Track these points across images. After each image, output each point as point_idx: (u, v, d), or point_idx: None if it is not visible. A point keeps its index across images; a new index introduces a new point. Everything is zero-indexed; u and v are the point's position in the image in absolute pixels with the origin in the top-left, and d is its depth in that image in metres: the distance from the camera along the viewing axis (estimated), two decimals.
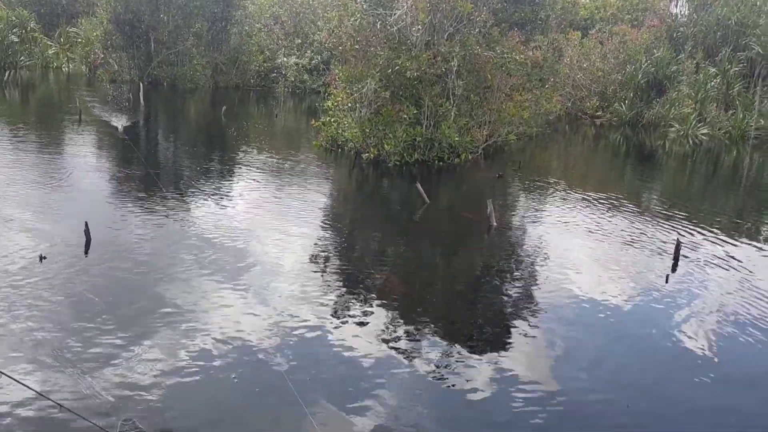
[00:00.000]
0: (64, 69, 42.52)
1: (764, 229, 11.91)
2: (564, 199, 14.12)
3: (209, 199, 11.95)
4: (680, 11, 35.37)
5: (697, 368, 6.38)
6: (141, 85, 30.92)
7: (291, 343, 6.38)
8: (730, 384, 6.14)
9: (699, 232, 11.35)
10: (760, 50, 27.95)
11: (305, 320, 6.89)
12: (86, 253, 8.42)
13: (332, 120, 17.94)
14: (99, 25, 39.52)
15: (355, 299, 7.65)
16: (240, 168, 15.67)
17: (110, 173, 13.93)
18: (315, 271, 8.49)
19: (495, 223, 10.99)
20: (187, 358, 5.89)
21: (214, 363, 5.86)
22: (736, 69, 28.24)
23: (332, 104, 18.13)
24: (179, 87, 37.62)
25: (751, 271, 9.34)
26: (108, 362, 5.68)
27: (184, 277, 7.91)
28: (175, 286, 7.60)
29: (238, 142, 20.00)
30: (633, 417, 5.48)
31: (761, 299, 8.18)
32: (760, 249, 10.50)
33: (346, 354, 6.24)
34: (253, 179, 14.31)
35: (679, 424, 5.45)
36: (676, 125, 27.27)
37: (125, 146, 16.35)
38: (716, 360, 6.56)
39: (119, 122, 19.93)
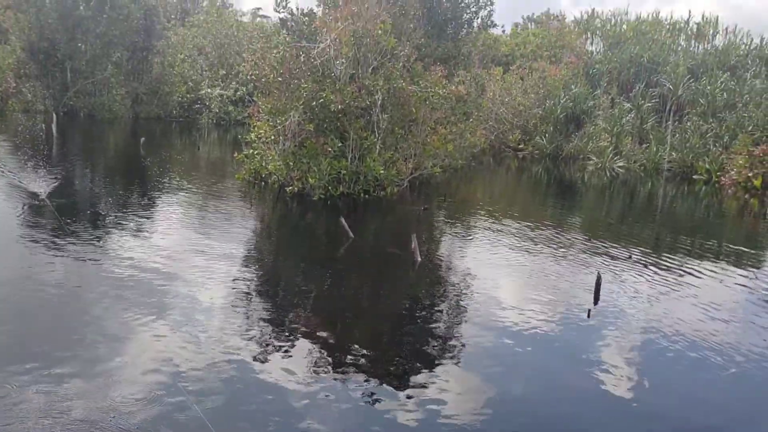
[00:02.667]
0: None
1: (679, 260, 12.23)
2: (488, 231, 14.16)
3: (127, 238, 11.39)
4: (595, 48, 36.95)
5: (618, 403, 6.33)
6: (54, 116, 29.64)
7: (212, 380, 6.12)
8: (650, 418, 6.08)
9: (619, 264, 11.53)
10: (670, 86, 29.38)
11: (227, 358, 6.63)
12: None
13: (255, 153, 17.56)
14: (11, 53, 37.87)
15: (278, 337, 7.36)
16: (159, 204, 15.05)
17: (11, 215, 13.04)
18: (237, 309, 8.13)
19: (419, 258, 10.84)
20: (104, 398, 5.39)
21: (134, 400, 5.43)
22: (649, 104, 29.55)
23: (255, 136, 17.76)
24: (97, 117, 36.42)
25: (669, 303, 9.49)
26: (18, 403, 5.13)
27: (99, 317, 7.49)
28: (90, 327, 7.19)
29: (158, 177, 19.30)
30: None
31: (680, 330, 8.27)
32: (678, 280, 10.73)
33: (268, 391, 6.04)
34: (173, 215, 13.76)
35: None
36: (594, 158, 28.19)
37: (37, 183, 15.46)
38: (636, 394, 6.51)
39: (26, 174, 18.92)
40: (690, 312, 9.06)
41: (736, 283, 10.76)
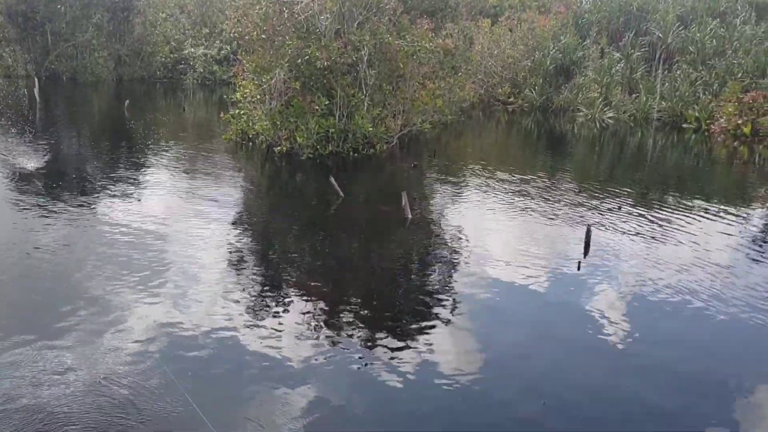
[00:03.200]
0: None
1: (669, 209, 12.26)
2: (479, 186, 14.13)
3: (115, 202, 11.33)
4: None
5: (608, 353, 6.41)
6: (36, 80, 29.11)
7: (204, 344, 6.17)
8: (640, 368, 6.15)
9: (609, 215, 11.56)
10: (660, 35, 29.05)
11: (220, 321, 6.66)
12: None
13: (242, 113, 17.33)
14: None
15: (271, 298, 7.39)
16: (146, 167, 14.90)
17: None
18: (229, 271, 8.16)
19: (410, 216, 10.81)
20: (106, 360, 5.40)
21: (134, 366, 5.48)
22: (639, 53, 29.24)
23: (241, 96, 17.50)
24: (80, 81, 35.81)
25: (658, 253, 9.54)
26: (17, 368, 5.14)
27: (88, 283, 7.47)
28: (80, 292, 7.20)
29: (144, 139, 19.06)
30: (551, 401, 5.40)
31: (669, 279, 8.33)
32: (667, 230, 10.77)
33: (262, 353, 6.07)
34: (161, 178, 13.62)
35: (592, 409, 5.41)
36: (584, 109, 28.02)
37: (21, 150, 15.24)
38: (627, 344, 6.58)
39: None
40: (679, 261, 9.12)
41: (724, 232, 10.82)
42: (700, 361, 6.41)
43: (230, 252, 8.93)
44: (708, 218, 11.62)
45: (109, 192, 12.08)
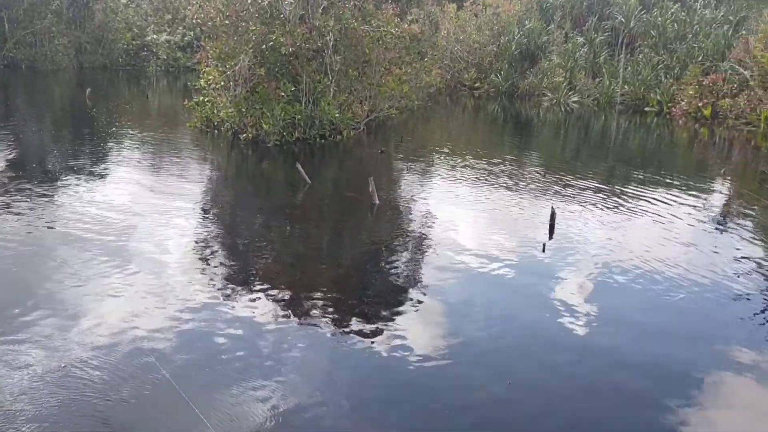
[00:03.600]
0: None
1: (632, 191, 12.50)
2: (445, 171, 14.22)
3: (78, 193, 11.15)
4: None
5: (571, 333, 6.53)
6: None
7: (175, 334, 6.14)
8: (604, 347, 6.30)
9: (573, 197, 11.74)
10: (622, 19, 29.39)
11: (189, 312, 6.63)
12: None
13: (206, 99, 17.13)
14: None
15: (239, 287, 7.35)
16: (109, 157, 14.66)
17: None
18: (196, 261, 8.10)
19: (377, 201, 10.85)
20: (74, 354, 5.35)
21: (104, 358, 5.49)
22: (602, 38, 29.57)
23: (205, 83, 17.29)
24: (40, 69, 34.96)
25: (621, 234, 9.74)
26: None
27: (54, 275, 7.36)
28: (46, 285, 7.09)
29: (106, 128, 18.73)
30: (517, 381, 5.51)
31: (632, 261, 8.51)
32: (630, 211, 10.98)
33: (232, 342, 6.05)
34: (125, 168, 13.41)
35: (559, 391, 5.54)
36: (549, 94, 28.28)
37: None
38: (590, 324, 6.72)
39: None
40: (642, 242, 9.32)
41: (686, 212, 11.06)
42: (663, 340, 6.57)
43: (196, 241, 8.86)
44: (670, 198, 11.87)
45: (71, 182, 11.86)
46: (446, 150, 17.05)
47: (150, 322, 6.34)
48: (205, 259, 8.18)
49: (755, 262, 8.74)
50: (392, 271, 8.29)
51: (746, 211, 11.41)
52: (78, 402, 4.99)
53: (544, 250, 8.85)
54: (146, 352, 5.76)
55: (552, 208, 9.94)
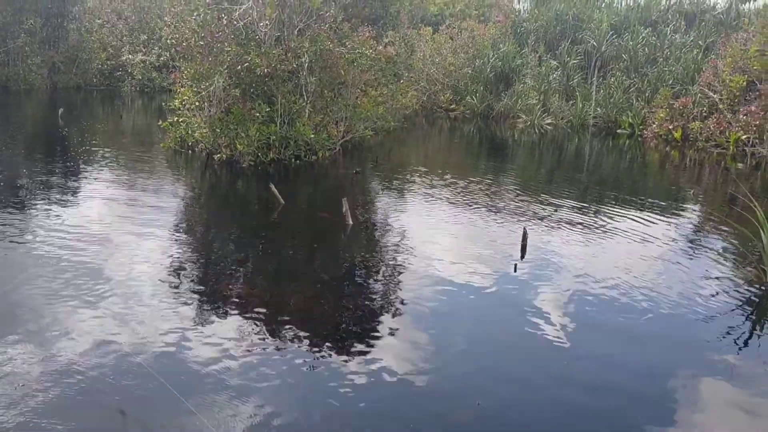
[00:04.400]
0: None
1: (604, 211, 12.62)
2: (420, 192, 14.25)
3: (49, 212, 10.97)
4: (522, 7, 37.13)
5: (542, 350, 6.55)
6: None
7: (148, 356, 6.01)
8: (579, 365, 6.30)
9: (546, 218, 11.81)
10: (594, 43, 29.90)
11: (161, 332, 6.54)
12: None
13: (180, 120, 17.03)
14: None
15: (213, 310, 7.26)
16: (81, 177, 14.49)
17: None
18: (170, 283, 7.98)
19: (351, 222, 10.82)
20: (44, 381, 5.20)
21: (72, 386, 5.30)
22: (575, 61, 30.03)
23: (180, 103, 17.20)
24: (11, 89, 34.57)
25: (593, 254, 9.81)
26: None
27: (27, 300, 7.22)
28: (21, 307, 6.97)
29: (79, 147, 18.52)
30: (496, 398, 5.48)
31: (603, 282, 8.57)
32: (602, 231, 11.08)
33: (205, 366, 5.93)
34: (97, 189, 13.24)
35: (535, 406, 5.52)
36: (523, 116, 28.58)
37: None
38: (560, 341, 6.73)
39: None
40: (613, 261, 9.40)
41: (657, 232, 11.18)
42: (634, 359, 6.59)
43: (170, 262, 8.74)
44: (641, 219, 12.00)
45: (41, 202, 11.69)
46: (421, 171, 17.11)
47: (117, 345, 6.22)
48: (176, 281, 8.07)
49: (727, 280, 8.85)
50: (365, 291, 8.25)
51: (716, 231, 11.56)
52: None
53: (515, 270, 8.87)
54: (109, 375, 5.63)
55: (524, 228, 9.99)
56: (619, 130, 26.13)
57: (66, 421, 4.98)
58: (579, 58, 30.23)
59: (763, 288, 8.55)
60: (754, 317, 7.75)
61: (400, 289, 8.18)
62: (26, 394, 5.29)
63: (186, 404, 5.28)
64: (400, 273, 8.79)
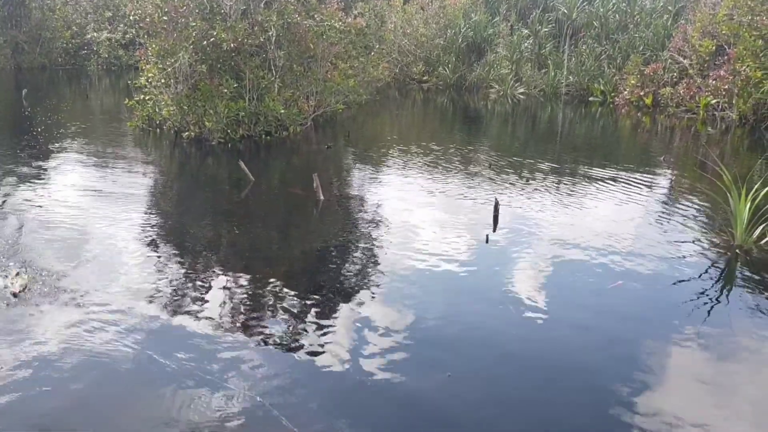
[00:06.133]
0: None
1: (577, 179, 12.66)
2: (393, 165, 14.16)
3: (15, 195, 10.70)
4: None
5: (515, 319, 6.56)
6: None
7: (123, 342, 5.94)
8: (554, 335, 6.33)
9: (521, 186, 11.81)
10: (565, 10, 29.79)
11: (136, 317, 6.47)
12: None
13: (147, 98, 16.70)
14: None
15: (186, 290, 7.19)
16: (47, 159, 14.18)
17: None
18: (139, 263, 7.88)
19: (322, 197, 10.73)
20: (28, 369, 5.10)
21: (57, 372, 5.22)
22: (546, 29, 29.92)
23: (146, 81, 16.85)
24: None
25: (566, 222, 9.83)
26: None
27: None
28: None
29: (44, 128, 18.09)
30: (458, 369, 5.49)
31: (575, 249, 8.60)
32: (574, 199, 11.10)
33: (181, 351, 5.84)
34: (64, 169, 13.01)
35: (510, 375, 5.54)
36: (496, 86, 28.50)
37: None
38: (532, 310, 6.75)
39: None
40: (586, 229, 9.43)
41: (630, 199, 11.25)
42: (605, 324, 6.64)
43: (139, 244, 8.60)
44: (614, 187, 12.05)
45: (5, 187, 11.41)
46: (394, 144, 17.00)
47: (91, 331, 6.11)
48: (146, 264, 7.94)
49: (697, 243, 8.94)
50: (336, 266, 8.20)
51: (687, 196, 11.65)
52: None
53: (487, 242, 8.87)
54: (80, 365, 5.54)
55: (495, 199, 9.97)
56: (591, 98, 26.17)
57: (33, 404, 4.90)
58: (550, 26, 30.11)
59: (730, 251, 8.65)
60: (722, 280, 7.84)
61: (372, 263, 8.13)
62: None
63: (160, 388, 5.21)
64: (372, 247, 8.74)
